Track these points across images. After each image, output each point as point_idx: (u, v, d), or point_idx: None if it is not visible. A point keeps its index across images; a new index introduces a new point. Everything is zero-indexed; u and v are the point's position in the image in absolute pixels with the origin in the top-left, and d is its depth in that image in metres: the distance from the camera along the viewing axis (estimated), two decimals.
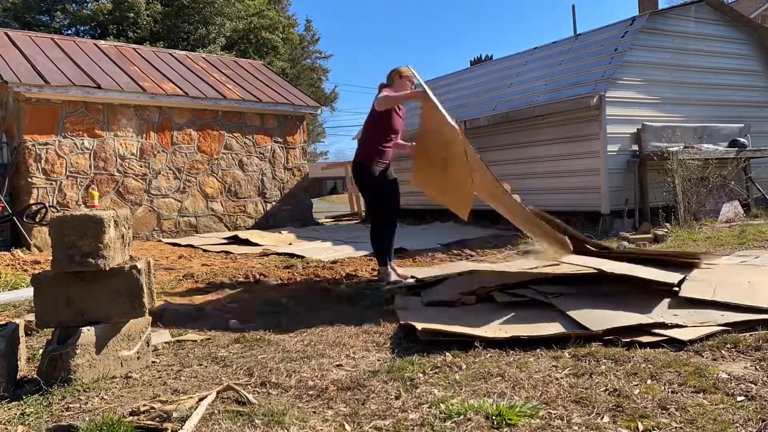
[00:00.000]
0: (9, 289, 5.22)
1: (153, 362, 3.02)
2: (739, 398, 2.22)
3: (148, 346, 3.01)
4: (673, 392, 2.31)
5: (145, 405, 2.33)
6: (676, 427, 2.00)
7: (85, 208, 8.80)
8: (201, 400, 2.38)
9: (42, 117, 9.14)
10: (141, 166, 10.13)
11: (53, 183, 9.23)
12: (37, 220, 8.54)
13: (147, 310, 2.90)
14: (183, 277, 5.74)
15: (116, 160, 9.86)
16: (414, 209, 11.95)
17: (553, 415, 2.14)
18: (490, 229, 9.23)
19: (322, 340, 3.30)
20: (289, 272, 5.87)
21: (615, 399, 2.25)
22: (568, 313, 3.38)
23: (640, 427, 2.01)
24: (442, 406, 2.23)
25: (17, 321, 2.95)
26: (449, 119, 4.41)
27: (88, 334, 2.72)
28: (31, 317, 3.44)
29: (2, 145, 9.51)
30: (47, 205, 8.77)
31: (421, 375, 2.63)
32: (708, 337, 2.92)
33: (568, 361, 2.73)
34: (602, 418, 2.10)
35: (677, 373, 2.49)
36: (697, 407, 2.14)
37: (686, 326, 3.05)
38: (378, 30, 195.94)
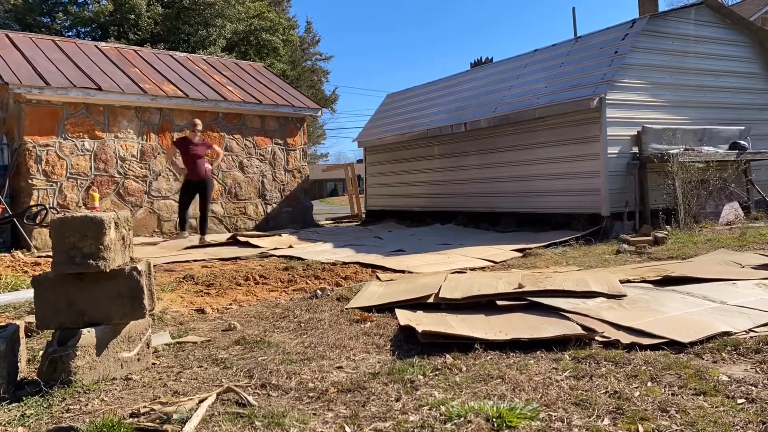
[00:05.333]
0: (9, 291, 5.22)
1: (153, 364, 3.02)
2: (739, 401, 2.22)
3: (148, 348, 3.01)
4: (673, 394, 2.31)
5: (145, 406, 2.33)
6: (676, 430, 2.00)
7: (85, 210, 8.82)
8: (201, 401, 2.38)
9: (42, 118, 9.16)
10: (141, 168, 10.14)
11: (53, 184, 9.23)
12: (37, 221, 8.56)
13: (147, 312, 2.90)
14: (183, 278, 5.74)
15: (117, 162, 9.86)
16: (414, 211, 11.96)
17: (554, 417, 2.13)
18: (490, 232, 9.23)
19: (322, 342, 3.30)
20: (289, 274, 5.87)
21: (615, 401, 2.25)
22: (568, 315, 3.39)
23: (641, 430, 2.01)
24: (443, 408, 2.23)
25: (18, 322, 2.94)
26: None
27: (88, 335, 2.72)
28: (32, 318, 3.44)
29: (3, 146, 9.52)
30: (47, 206, 8.78)
31: (421, 377, 2.63)
32: (708, 339, 2.92)
33: (568, 364, 2.72)
34: (602, 420, 2.10)
35: (677, 376, 2.49)
36: (698, 409, 2.14)
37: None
38: (378, 32, 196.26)
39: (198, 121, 8.86)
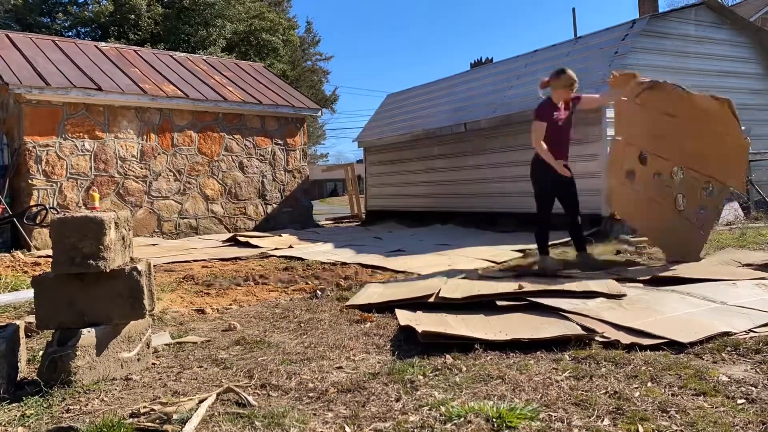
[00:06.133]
0: (9, 291, 5.22)
1: (153, 364, 3.02)
2: (739, 401, 2.21)
3: (148, 348, 3.01)
4: (673, 395, 2.30)
5: (145, 407, 2.33)
6: (676, 430, 2.00)
7: (85, 210, 8.82)
8: (201, 401, 2.38)
9: (42, 119, 9.16)
10: (141, 168, 10.14)
11: (54, 185, 9.24)
12: (37, 221, 8.56)
13: (147, 312, 2.90)
14: (183, 278, 5.74)
15: (117, 162, 9.87)
16: (414, 211, 11.96)
17: (554, 418, 2.13)
18: (490, 233, 9.22)
19: (322, 342, 3.30)
20: (289, 274, 5.87)
21: (615, 401, 2.25)
22: (568, 315, 3.39)
23: (641, 430, 2.01)
24: (443, 409, 2.23)
25: (18, 322, 2.94)
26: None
27: (88, 335, 2.72)
28: (32, 319, 3.44)
29: (3, 146, 9.52)
30: (47, 206, 8.79)
31: (421, 377, 2.63)
32: (708, 339, 2.92)
33: (568, 364, 2.72)
34: (602, 420, 2.10)
35: (677, 376, 2.49)
36: (698, 410, 2.14)
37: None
38: (379, 32, 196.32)
39: (572, 75, 5.27)
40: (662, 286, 4.16)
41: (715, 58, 9.22)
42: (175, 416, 2.24)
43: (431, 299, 4.00)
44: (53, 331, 2.80)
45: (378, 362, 2.90)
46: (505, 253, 6.76)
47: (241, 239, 8.91)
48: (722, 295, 3.75)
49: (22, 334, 2.91)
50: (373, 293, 4.50)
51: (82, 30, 23.39)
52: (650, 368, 2.60)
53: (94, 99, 9.54)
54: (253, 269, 6.28)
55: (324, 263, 6.50)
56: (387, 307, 4.00)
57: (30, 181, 9.03)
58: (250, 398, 2.41)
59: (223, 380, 2.72)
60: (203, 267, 6.71)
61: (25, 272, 6.28)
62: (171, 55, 12.96)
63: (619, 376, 2.53)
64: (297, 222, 12.00)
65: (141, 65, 11.44)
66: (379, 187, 13.43)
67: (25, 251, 8.31)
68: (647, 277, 4.47)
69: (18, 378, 2.77)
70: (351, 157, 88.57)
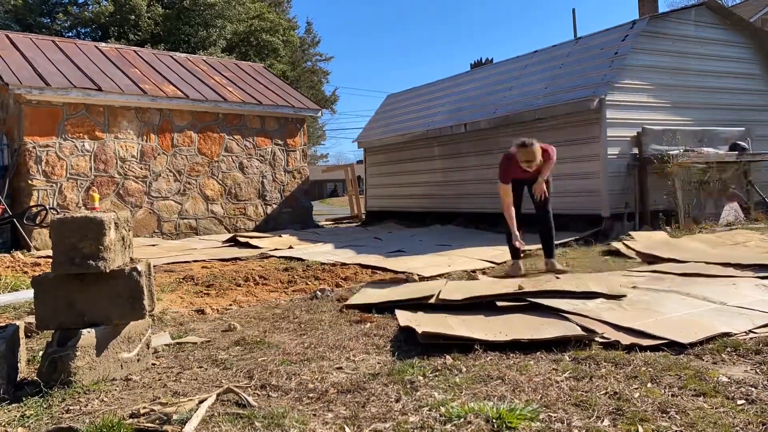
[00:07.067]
0: (9, 291, 5.22)
1: (153, 364, 3.02)
2: (739, 402, 2.22)
3: (148, 349, 3.01)
4: (673, 395, 2.31)
5: (144, 407, 2.33)
6: (676, 431, 2.00)
7: (85, 210, 8.82)
8: (201, 402, 2.38)
9: (42, 119, 9.16)
10: (141, 169, 10.14)
11: (53, 185, 9.24)
12: (37, 221, 8.56)
13: (147, 312, 2.90)
14: (183, 279, 5.74)
15: (116, 163, 9.87)
16: (414, 212, 11.96)
17: (554, 419, 2.13)
18: (490, 233, 9.22)
19: (322, 342, 3.30)
20: (289, 275, 5.87)
21: (615, 402, 2.25)
22: (568, 316, 3.39)
23: (641, 431, 2.01)
24: (443, 409, 2.23)
25: (17, 323, 2.94)
26: None
27: (88, 336, 2.72)
28: (32, 319, 3.44)
29: (3, 147, 9.52)
30: (47, 207, 8.79)
31: (421, 378, 2.63)
32: (708, 340, 2.92)
33: (568, 365, 2.72)
34: (602, 421, 2.10)
35: (677, 377, 2.49)
36: (698, 411, 2.14)
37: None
38: (379, 32, 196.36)
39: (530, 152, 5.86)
40: (662, 287, 4.16)
41: (715, 59, 9.22)
42: (175, 417, 2.24)
43: (431, 300, 4.00)
44: (53, 331, 2.80)
45: (378, 363, 2.90)
46: (505, 253, 6.75)
47: (241, 240, 8.91)
48: (722, 295, 3.75)
49: (22, 334, 2.91)
50: (373, 294, 4.50)
51: (82, 30, 23.38)
52: (650, 369, 2.60)
53: (94, 99, 9.54)
54: (253, 270, 6.28)
55: (324, 264, 6.49)
56: (387, 308, 4.00)
57: (30, 182, 9.03)
58: (250, 399, 2.41)
59: (223, 381, 2.72)
60: (203, 267, 6.71)
61: (25, 272, 6.28)
62: (171, 56, 12.96)
63: (619, 376, 2.53)
64: (297, 222, 12.00)
65: (141, 66, 11.44)
66: (379, 187, 13.43)
67: (25, 251, 8.31)
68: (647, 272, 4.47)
69: (18, 378, 2.77)
70: (351, 157, 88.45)
